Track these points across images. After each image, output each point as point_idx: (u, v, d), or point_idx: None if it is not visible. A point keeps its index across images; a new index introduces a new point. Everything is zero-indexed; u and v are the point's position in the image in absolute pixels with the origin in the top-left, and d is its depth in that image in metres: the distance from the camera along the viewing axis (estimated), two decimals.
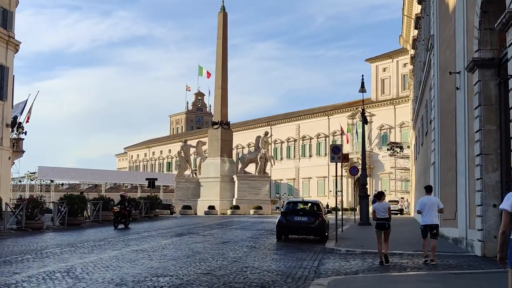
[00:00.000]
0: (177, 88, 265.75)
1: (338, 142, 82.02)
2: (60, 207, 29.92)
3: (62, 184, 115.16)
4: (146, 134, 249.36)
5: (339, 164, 23.28)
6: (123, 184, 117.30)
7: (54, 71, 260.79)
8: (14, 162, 57.22)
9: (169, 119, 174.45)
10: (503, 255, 5.84)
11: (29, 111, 57.49)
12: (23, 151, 56.72)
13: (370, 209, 20.22)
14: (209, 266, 13.80)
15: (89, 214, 33.96)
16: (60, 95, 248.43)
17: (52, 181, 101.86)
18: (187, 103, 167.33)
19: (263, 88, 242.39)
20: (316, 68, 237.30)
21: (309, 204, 24.61)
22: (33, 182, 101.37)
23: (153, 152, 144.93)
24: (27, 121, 57.63)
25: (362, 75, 33.75)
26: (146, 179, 63.84)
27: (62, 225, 29.83)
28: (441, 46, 22.00)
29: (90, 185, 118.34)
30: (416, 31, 36.29)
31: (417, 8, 36.21)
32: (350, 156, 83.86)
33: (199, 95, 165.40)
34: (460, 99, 18.00)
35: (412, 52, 43.52)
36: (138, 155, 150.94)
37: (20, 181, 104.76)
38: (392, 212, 16.46)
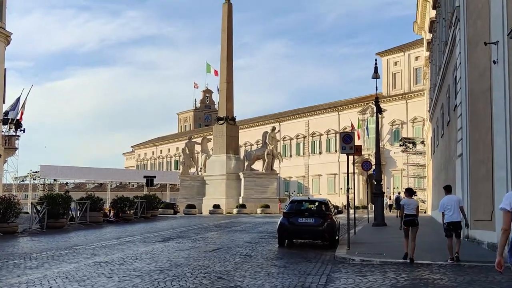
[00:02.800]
0: (185, 86, 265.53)
1: None
2: (38, 208, 26.74)
3: (67, 184, 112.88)
4: (155, 133, 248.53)
5: (350, 159, 20.18)
6: (129, 182, 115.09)
7: (64, 71, 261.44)
8: (6, 160, 54.43)
9: (177, 117, 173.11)
10: (502, 260, 5.58)
11: (23, 106, 54.49)
12: (16, 149, 53.82)
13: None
14: (182, 287, 10.62)
15: (74, 215, 30.83)
16: (70, 95, 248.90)
17: (55, 180, 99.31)
18: (195, 101, 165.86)
19: (273, 87, 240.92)
20: (327, 66, 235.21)
21: (316, 203, 21.16)
22: (36, 182, 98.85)
23: (161, 150, 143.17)
24: (21, 118, 54.65)
25: (376, 60, 30.75)
26: (144, 176, 60.72)
27: (41, 228, 26.73)
28: (470, 17, 18.73)
29: (96, 184, 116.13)
30: (434, 12, 32.99)
31: None
32: (361, 153, 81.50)
33: (207, 92, 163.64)
34: (497, 75, 14.81)
35: (429, 36, 40.20)
36: (145, 153, 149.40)
37: (23, 181, 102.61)
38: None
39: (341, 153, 18.92)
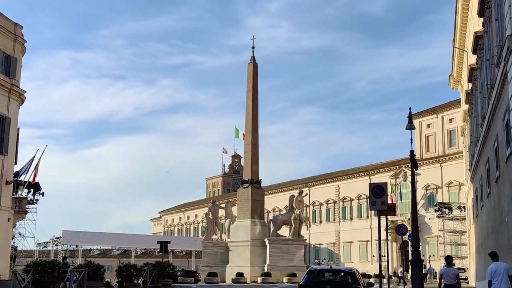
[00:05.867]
0: (215, 152, 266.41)
1: None
2: (21, 277, 23.25)
3: (90, 250, 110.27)
4: (183, 198, 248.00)
5: (383, 223, 16.65)
6: (154, 249, 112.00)
7: (98, 138, 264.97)
8: (16, 224, 51.61)
9: (206, 182, 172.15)
10: None
11: (36, 168, 51.88)
12: (26, 212, 51.01)
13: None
14: None
15: (67, 286, 27.32)
16: (103, 162, 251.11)
17: (77, 246, 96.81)
18: (224, 166, 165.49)
19: (304, 153, 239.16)
20: (358, 132, 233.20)
21: (341, 274, 17.22)
22: (57, 248, 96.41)
23: (188, 216, 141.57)
24: (33, 180, 52.04)
25: (410, 108, 27.56)
26: (158, 242, 57.66)
27: None
28: None
29: (121, 251, 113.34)
30: (474, 58, 29.73)
31: (475, 25, 29.79)
32: (393, 219, 77.54)
33: (236, 157, 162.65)
34: None
35: (468, 86, 36.84)
36: (173, 219, 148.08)
37: (45, 246, 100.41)
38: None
39: (370, 209, 15.37)
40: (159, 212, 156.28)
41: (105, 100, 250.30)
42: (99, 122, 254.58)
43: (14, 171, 48.34)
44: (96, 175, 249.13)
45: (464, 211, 66.80)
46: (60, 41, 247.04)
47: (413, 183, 29.63)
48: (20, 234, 64.36)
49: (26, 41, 48.97)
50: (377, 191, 15.28)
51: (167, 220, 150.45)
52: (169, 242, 56.28)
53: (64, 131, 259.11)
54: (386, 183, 19.14)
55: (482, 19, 24.99)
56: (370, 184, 16.08)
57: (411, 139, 27.79)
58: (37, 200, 58.76)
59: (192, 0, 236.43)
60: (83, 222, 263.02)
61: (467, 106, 40.76)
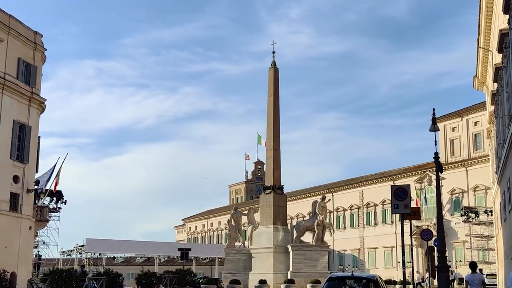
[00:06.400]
0: (238, 158, 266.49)
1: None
2: (37, 286, 22.89)
3: (114, 258, 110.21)
4: (206, 205, 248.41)
5: (406, 228, 15.89)
6: (177, 257, 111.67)
7: (122, 147, 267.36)
8: (37, 233, 51.57)
9: (229, 189, 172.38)
10: None
11: (57, 176, 51.84)
12: (47, 220, 50.93)
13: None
14: None
15: None
16: (126, 170, 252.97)
17: (100, 254, 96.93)
18: (247, 173, 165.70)
19: (327, 158, 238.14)
20: (382, 137, 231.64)
21: (363, 281, 16.41)
22: (81, 256, 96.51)
23: (211, 223, 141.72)
24: (55, 188, 52.02)
25: (433, 109, 26.80)
26: (178, 249, 57.24)
27: None
28: None
29: (144, 259, 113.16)
30: (499, 56, 28.85)
31: (500, 23, 28.91)
32: (419, 224, 76.37)
33: (259, 164, 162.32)
34: None
35: (493, 87, 35.90)
36: (196, 226, 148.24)
37: (69, 255, 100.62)
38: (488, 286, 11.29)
39: (392, 213, 14.55)
40: (183, 220, 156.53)
41: (128, 108, 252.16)
42: (123, 131, 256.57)
43: (35, 179, 48.37)
44: (120, 183, 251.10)
45: (491, 215, 65.63)
46: (84, 51, 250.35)
47: (438, 185, 28.75)
48: (44, 243, 64.48)
49: (46, 49, 49.08)
50: (400, 194, 14.39)
51: (190, 227, 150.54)
52: (189, 250, 55.89)
53: (88, 140, 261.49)
54: (409, 185, 18.22)
55: (507, 16, 24.18)
56: (392, 186, 15.22)
57: (435, 141, 27.04)
58: (59, 208, 58.83)
59: (213, 8, 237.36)
60: (108, 230, 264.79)
61: (492, 107, 39.78)
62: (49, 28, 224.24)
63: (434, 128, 26.66)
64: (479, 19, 39.57)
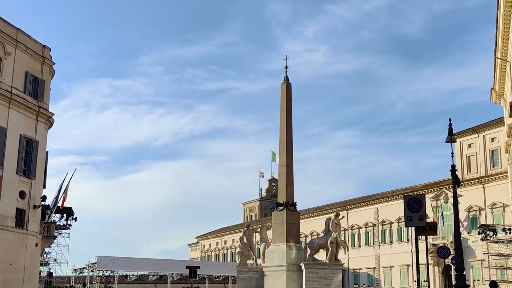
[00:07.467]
0: (252, 176, 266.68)
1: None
2: None
3: (127, 276, 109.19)
4: (221, 223, 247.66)
5: (422, 244, 14.77)
6: None
7: (138, 165, 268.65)
8: (44, 250, 50.75)
9: (243, 206, 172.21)
10: None
11: (65, 192, 51.15)
12: (55, 237, 50.10)
13: None
14: None
15: None
16: (142, 188, 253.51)
17: (112, 272, 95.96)
18: (261, 190, 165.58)
19: (342, 176, 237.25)
20: (397, 155, 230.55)
21: None
22: (93, 273, 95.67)
23: (225, 241, 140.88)
24: (63, 204, 51.29)
25: (450, 119, 25.68)
26: (187, 267, 56.41)
27: None
28: None
29: (157, 277, 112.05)
30: None
31: None
32: (435, 242, 74.93)
33: (273, 181, 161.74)
34: None
35: (511, 98, 34.82)
36: (210, 244, 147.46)
37: (81, 272, 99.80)
38: None
39: (405, 226, 13.33)
40: (196, 237, 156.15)
41: (144, 126, 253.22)
42: (139, 149, 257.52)
43: (42, 195, 47.58)
44: (135, 200, 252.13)
45: (510, 233, 64.18)
46: (101, 70, 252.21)
47: (455, 198, 27.47)
48: (55, 260, 63.72)
49: (55, 63, 48.39)
50: (414, 205, 13.23)
51: (204, 245, 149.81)
52: (198, 267, 55.08)
53: (104, 158, 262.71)
54: (424, 194, 17.13)
55: None
56: (405, 196, 13.96)
57: (452, 152, 25.88)
58: (70, 225, 57.95)
59: (229, 26, 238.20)
60: (122, 248, 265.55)
61: (511, 120, 38.72)
62: (67, 47, 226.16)
63: (450, 139, 25.48)
64: (496, 29, 38.65)
